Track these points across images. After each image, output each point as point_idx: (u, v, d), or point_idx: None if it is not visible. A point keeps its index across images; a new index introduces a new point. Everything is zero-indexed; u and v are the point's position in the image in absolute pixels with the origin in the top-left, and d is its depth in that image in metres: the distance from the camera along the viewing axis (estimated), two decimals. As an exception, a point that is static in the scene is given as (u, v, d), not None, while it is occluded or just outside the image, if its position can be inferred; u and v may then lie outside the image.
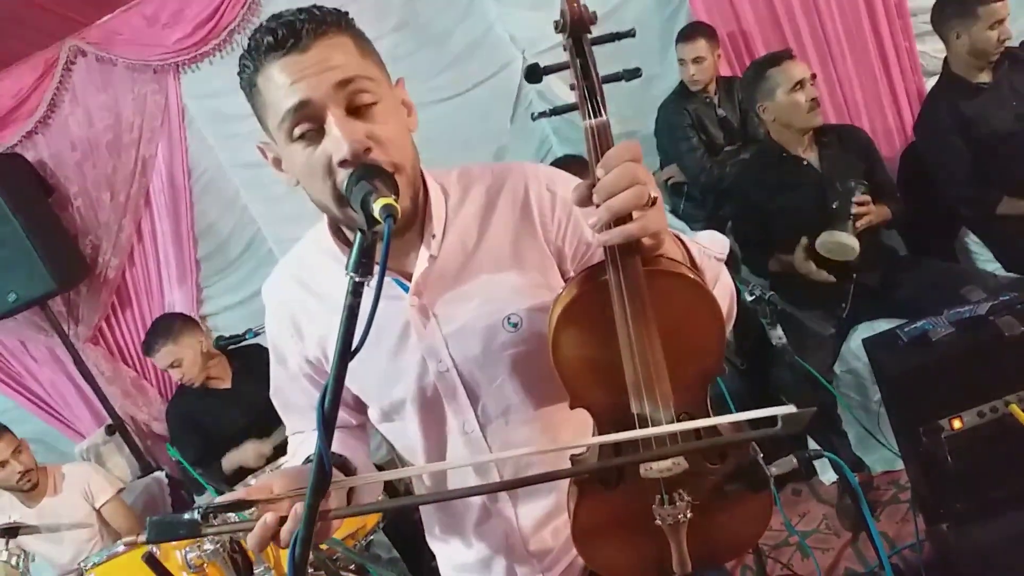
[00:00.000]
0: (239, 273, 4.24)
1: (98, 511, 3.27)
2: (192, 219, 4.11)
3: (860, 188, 2.72)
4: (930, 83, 3.47)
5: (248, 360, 3.46)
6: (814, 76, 2.88)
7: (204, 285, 4.22)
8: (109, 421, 4.05)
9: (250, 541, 1.00)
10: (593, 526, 1.14)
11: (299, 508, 0.97)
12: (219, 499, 1.01)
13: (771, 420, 0.94)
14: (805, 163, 2.90)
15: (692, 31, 3.57)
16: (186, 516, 0.99)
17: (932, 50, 3.48)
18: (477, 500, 1.29)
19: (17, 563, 2.72)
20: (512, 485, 1.13)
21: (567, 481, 1.17)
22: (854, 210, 2.70)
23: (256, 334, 3.28)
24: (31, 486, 3.16)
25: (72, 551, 3.18)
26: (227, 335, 3.32)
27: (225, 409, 3.34)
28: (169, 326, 3.43)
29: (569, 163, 3.07)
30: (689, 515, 1.09)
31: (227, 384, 3.41)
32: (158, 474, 3.87)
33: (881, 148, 3.18)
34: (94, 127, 3.96)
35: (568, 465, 1.10)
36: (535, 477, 1.02)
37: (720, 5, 3.60)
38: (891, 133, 3.55)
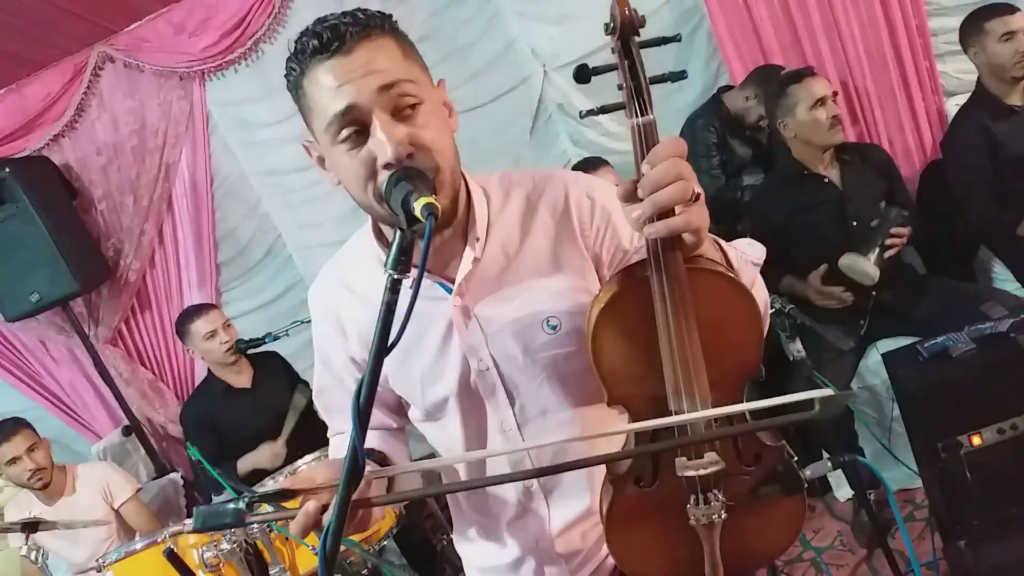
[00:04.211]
0: (258, 278, 4.28)
1: (116, 511, 3.28)
2: (213, 224, 4.15)
3: (900, 218, 2.72)
4: (950, 103, 3.48)
5: (268, 364, 3.51)
6: (835, 94, 2.89)
7: (223, 289, 4.26)
8: (126, 422, 4.09)
9: (293, 528, 1.02)
10: (627, 525, 1.15)
11: None
12: (263, 489, 1.04)
13: (807, 404, 0.95)
14: (826, 180, 2.90)
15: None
16: (231, 505, 1.01)
17: (953, 70, 3.49)
18: (512, 498, 1.31)
19: (36, 558, 2.74)
20: (551, 471, 1.14)
21: (601, 483, 1.19)
22: (888, 241, 2.72)
23: (276, 338, 3.31)
24: (42, 485, 3.17)
25: (88, 550, 3.19)
26: (247, 339, 3.36)
27: (243, 410, 3.36)
28: (211, 304, 3.57)
29: (586, 166, 3.09)
30: (724, 515, 1.10)
31: (247, 384, 3.44)
32: (174, 475, 3.89)
33: (900, 168, 3.18)
34: (120, 132, 4.01)
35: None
36: (573, 463, 1.04)
37: (741, 23, 3.61)
38: (911, 153, 3.54)
